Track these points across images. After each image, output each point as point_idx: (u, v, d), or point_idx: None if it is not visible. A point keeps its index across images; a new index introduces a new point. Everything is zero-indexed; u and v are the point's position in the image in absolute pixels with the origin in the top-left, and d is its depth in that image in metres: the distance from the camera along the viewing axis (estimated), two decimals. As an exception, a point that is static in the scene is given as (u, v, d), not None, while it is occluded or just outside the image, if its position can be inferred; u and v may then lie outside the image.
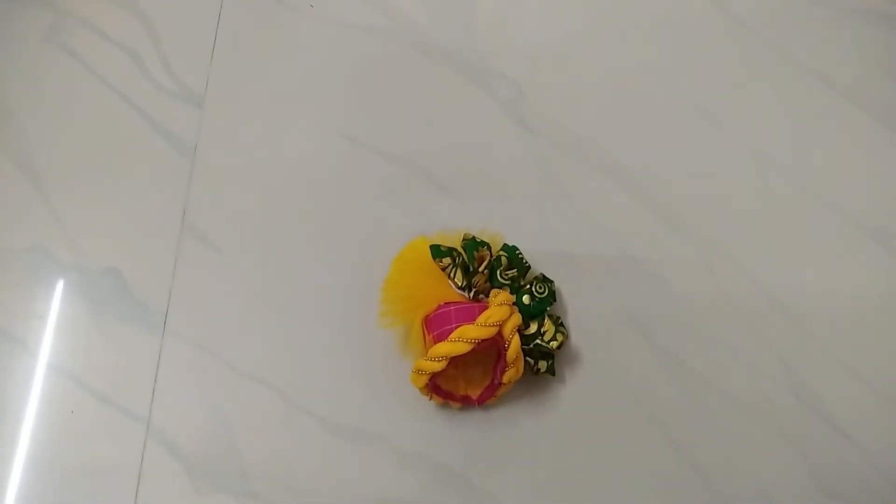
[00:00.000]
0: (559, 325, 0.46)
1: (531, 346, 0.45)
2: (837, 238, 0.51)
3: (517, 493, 0.47)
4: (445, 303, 0.46)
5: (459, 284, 0.46)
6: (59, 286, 0.51)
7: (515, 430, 0.48)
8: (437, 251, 0.46)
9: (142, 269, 0.52)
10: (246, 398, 0.49)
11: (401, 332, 0.48)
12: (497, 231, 0.49)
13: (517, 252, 0.48)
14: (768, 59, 0.55)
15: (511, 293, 0.46)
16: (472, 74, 0.56)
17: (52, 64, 0.57)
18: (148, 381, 0.49)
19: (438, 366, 0.42)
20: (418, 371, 0.43)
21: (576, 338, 0.50)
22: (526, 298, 0.46)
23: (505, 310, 0.43)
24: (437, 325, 0.45)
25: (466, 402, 0.46)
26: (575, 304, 0.50)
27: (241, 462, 0.47)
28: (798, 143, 0.53)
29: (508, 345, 0.43)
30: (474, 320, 0.43)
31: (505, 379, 0.44)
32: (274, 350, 0.50)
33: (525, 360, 0.45)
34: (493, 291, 0.46)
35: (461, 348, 0.42)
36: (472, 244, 0.47)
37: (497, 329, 0.42)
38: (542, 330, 0.46)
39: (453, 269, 0.46)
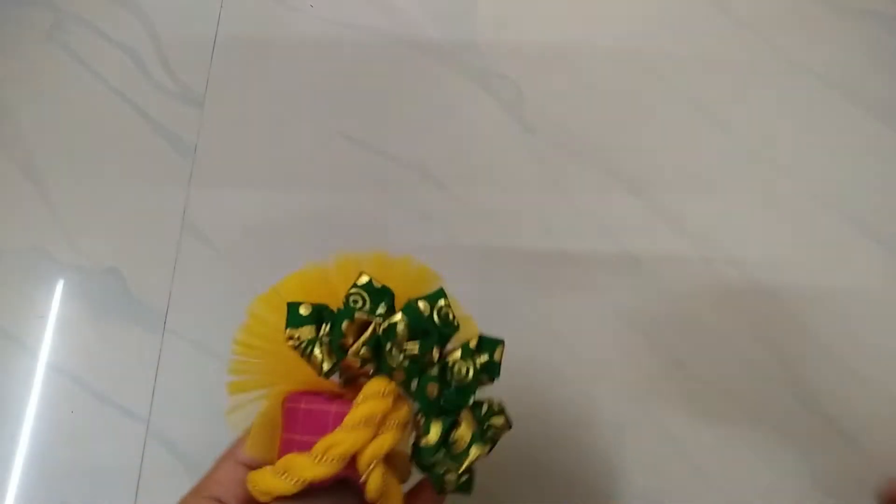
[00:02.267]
0: (488, 423, 0.30)
1: (428, 462, 0.28)
2: (837, 238, 0.51)
3: (511, 492, 0.47)
4: (298, 393, 0.29)
5: (321, 370, 0.28)
6: (59, 286, 0.51)
7: (514, 431, 0.48)
8: (295, 316, 0.28)
9: (142, 269, 0.52)
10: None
11: (252, 410, 0.31)
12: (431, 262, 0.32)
13: (435, 308, 0.29)
14: (768, 59, 0.55)
15: (409, 378, 0.28)
16: (472, 74, 0.56)
17: (52, 64, 0.57)
18: (148, 381, 0.49)
19: (263, 497, 0.27)
20: (254, 486, 0.27)
21: (576, 338, 0.49)
22: (432, 388, 0.28)
23: (363, 435, 0.26)
24: (286, 426, 0.29)
25: None
26: (575, 304, 0.50)
27: (241, 462, 0.47)
28: (798, 142, 0.53)
29: (366, 480, 0.26)
30: (324, 434, 0.26)
31: None
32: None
33: (426, 476, 0.29)
34: (373, 381, 0.28)
35: (283, 488, 0.26)
36: (347, 311, 0.28)
37: (343, 465, 0.26)
38: (451, 439, 0.28)
39: (311, 346, 0.28)
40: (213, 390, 0.49)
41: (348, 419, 0.27)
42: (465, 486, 0.29)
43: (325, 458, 0.26)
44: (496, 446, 0.30)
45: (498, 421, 0.30)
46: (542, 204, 0.52)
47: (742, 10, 0.56)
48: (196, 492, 0.28)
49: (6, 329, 0.50)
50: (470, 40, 0.57)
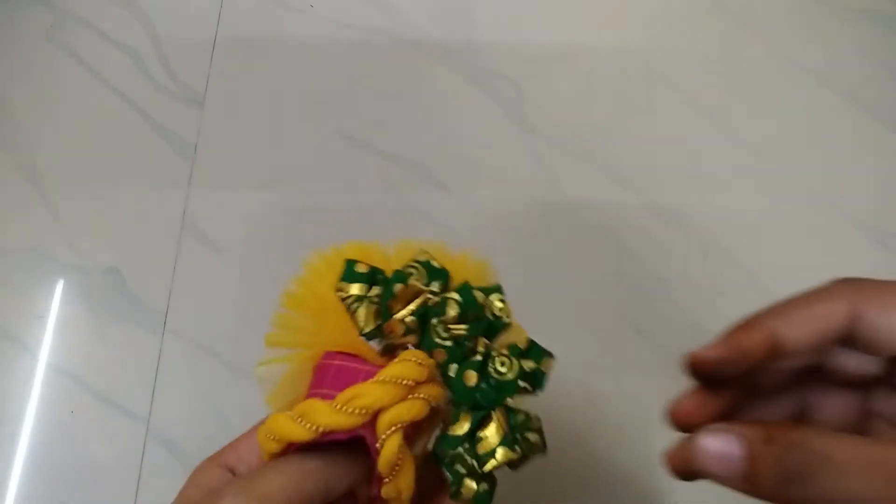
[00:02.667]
0: (520, 432, 0.27)
1: (449, 454, 0.26)
2: (837, 238, 0.51)
3: (510, 491, 0.47)
4: (334, 352, 0.28)
5: (362, 329, 0.28)
6: (59, 286, 0.51)
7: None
8: (350, 271, 0.28)
9: (142, 269, 0.52)
10: (246, 398, 0.49)
11: (281, 370, 0.30)
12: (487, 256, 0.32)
13: (494, 297, 0.29)
14: (768, 59, 0.55)
15: (447, 360, 0.27)
16: (472, 74, 0.56)
17: (52, 64, 0.57)
18: (148, 381, 0.49)
19: (273, 445, 0.25)
20: (268, 434, 0.25)
21: (576, 338, 0.49)
22: (470, 376, 0.27)
23: (390, 392, 0.25)
24: (315, 381, 0.28)
25: None
26: (575, 304, 0.50)
27: (241, 462, 0.47)
28: (798, 142, 0.53)
29: (381, 446, 0.24)
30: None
31: (385, 493, 0.25)
32: (274, 350, 0.50)
33: (445, 474, 0.26)
34: (413, 350, 0.27)
35: (296, 433, 0.24)
36: (401, 276, 0.28)
37: (365, 419, 0.24)
38: (478, 435, 0.26)
39: (358, 305, 0.28)
40: (213, 390, 0.49)
41: (379, 375, 0.25)
42: (484, 498, 0.26)
43: (346, 407, 0.24)
44: (523, 466, 0.28)
45: (534, 438, 0.27)
46: (542, 203, 0.52)
47: (742, 11, 0.56)
48: (212, 459, 0.27)
49: (6, 329, 0.50)
50: (470, 40, 0.57)
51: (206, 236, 0.52)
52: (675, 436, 0.27)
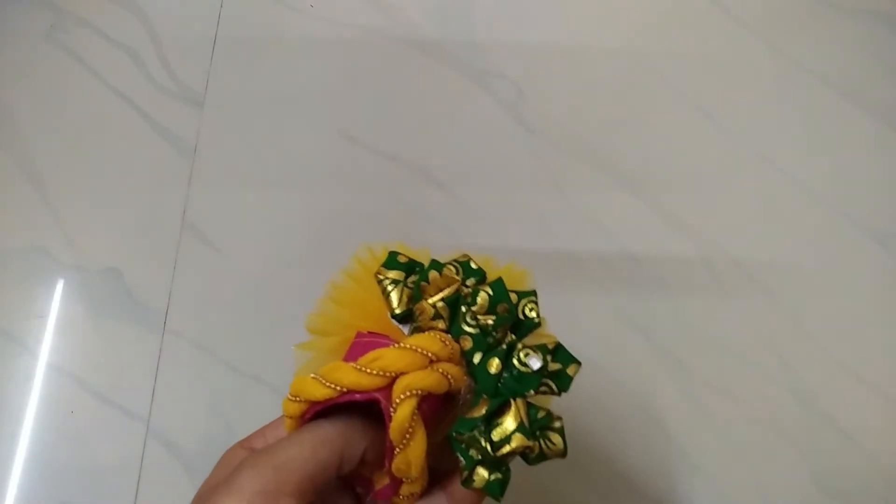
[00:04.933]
0: (540, 429, 0.27)
1: (464, 436, 0.26)
2: (837, 238, 0.51)
3: (513, 493, 0.47)
4: (365, 332, 0.30)
5: (394, 310, 0.29)
6: (59, 286, 0.51)
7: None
8: (392, 259, 0.31)
9: (142, 269, 0.52)
10: (246, 398, 0.49)
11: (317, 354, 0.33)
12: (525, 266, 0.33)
13: (527, 300, 0.30)
14: (768, 59, 0.55)
15: (473, 348, 0.28)
16: (472, 74, 0.56)
17: (52, 64, 0.57)
18: (148, 381, 0.49)
19: (295, 407, 0.26)
20: (292, 395, 0.27)
21: (576, 338, 0.49)
22: (493, 364, 0.27)
23: (409, 358, 0.26)
24: (346, 356, 0.29)
25: (367, 489, 0.28)
26: (575, 304, 0.50)
27: (241, 462, 0.47)
28: (798, 143, 0.53)
29: (395, 410, 0.25)
30: None
31: (395, 467, 0.26)
32: (274, 350, 0.50)
33: (459, 459, 0.26)
34: (435, 331, 0.28)
35: (318, 391, 0.25)
36: (438, 264, 0.30)
37: (385, 381, 0.25)
38: (494, 421, 0.26)
39: (393, 287, 0.30)
40: (213, 390, 0.49)
41: (402, 342, 0.27)
42: (495, 488, 0.26)
43: (367, 368, 0.25)
44: (541, 464, 0.27)
45: (555, 438, 0.27)
46: (542, 204, 0.52)
47: (742, 10, 0.56)
48: (240, 443, 0.28)
49: (6, 329, 0.50)
50: (470, 40, 0.57)
51: (206, 236, 0.52)
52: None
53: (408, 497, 0.27)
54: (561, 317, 0.49)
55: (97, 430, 0.48)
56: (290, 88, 0.56)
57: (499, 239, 0.51)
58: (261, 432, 0.29)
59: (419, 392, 0.25)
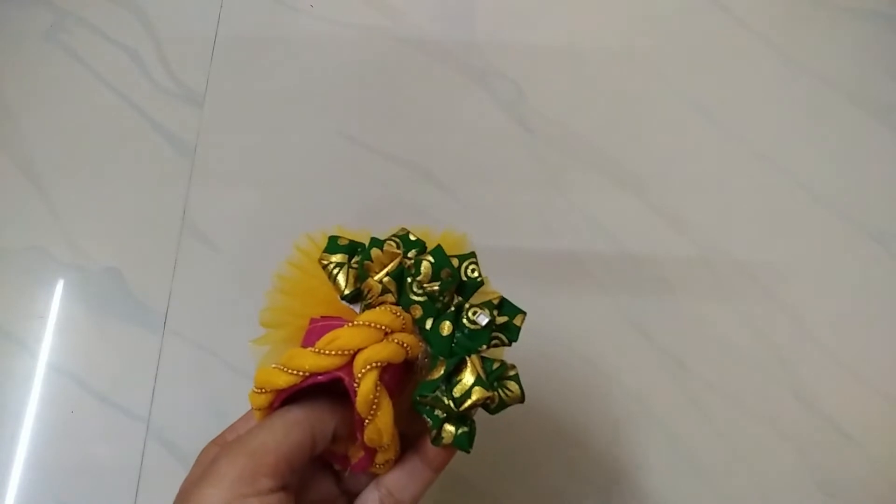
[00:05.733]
0: (497, 379, 0.28)
1: (427, 398, 0.27)
2: (837, 238, 0.51)
3: (511, 490, 0.47)
4: (321, 317, 0.31)
5: (343, 291, 0.30)
6: (59, 286, 0.51)
7: (509, 432, 0.48)
8: (332, 244, 0.32)
9: (142, 269, 0.52)
10: (246, 398, 0.49)
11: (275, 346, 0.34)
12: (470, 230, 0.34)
13: (468, 262, 0.30)
14: (768, 59, 0.55)
15: (423, 315, 0.29)
16: (472, 74, 0.56)
17: (52, 64, 0.57)
18: (148, 381, 0.49)
19: (262, 399, 0.28)
20: (256, 387, 0.28)
21: (575, 337, 0.49)
22: (445, 327, 0.29)
23: (364, 333, 0.27)
24: (303, 342, 0.30)
25: (344, 464, 0.29)
26: (575, 304, 0.50)
27: (241, 462, 0.47)
28: (798, 143, 0.53)
29: (358, 384, 0.26)
30: None
31: (367, 438, 0.27)
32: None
33: (423, 418, 0.28)
34: (385, 305, 0.29)
35: (282, 380, 0.27)
36: (378, 242, 0.31)
37: (345, 360, 0.26)
38: (453, 380, 0.28)
39: (339, 270, 0.31)
40: (213, 390, 0.49)
41: (355, 320, 0.28)
42: (463, 441, 0.28)
43: (326, 349, 0.26)
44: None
45: (512, 386, 0.29)
46: (542, 204, 0.52)
47: (742, 10, 0.56)
48: (213, 440, 0.30)
49: (6, 329, 0.50)
50: (470, 40, 0.57)
51: (206, 236, 0.52)
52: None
53: (384, 465, 0.28)
54: (561, 316, 0.50)
55: (97, 430, 0.48)
56: (289, 88, 0.56)
57: (499, 239, 0.51)
58: (232, 427, 0.30)
59: (379, 364, 0.26)
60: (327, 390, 0.27)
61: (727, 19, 0.56)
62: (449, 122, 0.55)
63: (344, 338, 0.27)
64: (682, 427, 0.47)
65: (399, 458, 0.29)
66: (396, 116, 0.55)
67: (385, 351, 0.27)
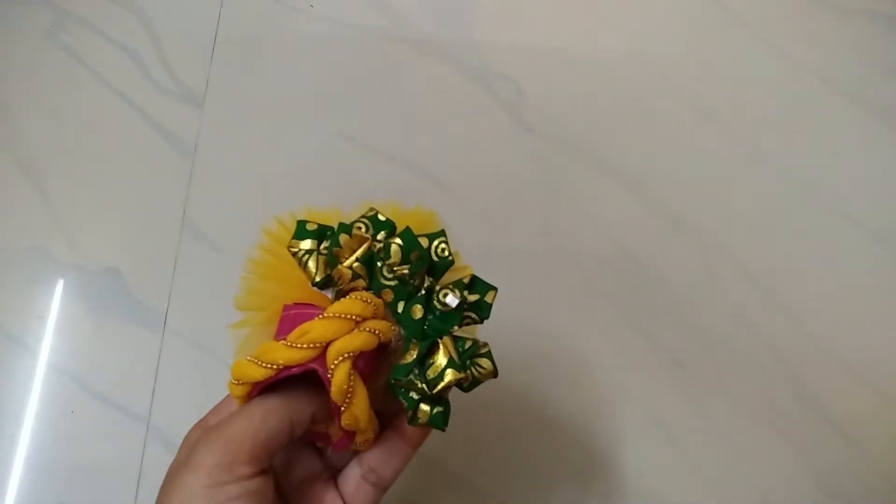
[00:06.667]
0: (469, 357, 0.29)
1: (401, 381, 0.28)
2: (837, 238, 0.51)
3: (514, 493, 0.47)
4: (293, 304, 0.31)
5: (314, 278, 0.30)
6: (59, 286, 0.51)
7: (508, 432, 0.48)
8: (301, 230, 0.31)
9: (142, 269, 0.52)
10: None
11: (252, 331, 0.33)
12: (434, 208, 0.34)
13: (438, 241, 0.30)
14: (768, 60, 0.55)
15: (395, 299, 0.29)
16: (472, 74, 0.56)
17: (52, 64, 0.57)
18: (148, 381, 0.49)
19: (239, 389, 0.28)
20: (233, 379, 0.28)
21: (575, 337, 0.49)
22: (416, 310, 0.29)
23: (336, 325, 0.27)
24: (277, 331, 0.31)
25: (326, 443, 0.30)
26: (575, 305, 0.50)
27: (241, 462, 0.47)
28: (798, 143, 0.53)
29: (332, 375, 0.26)
30: None
31: (344, 423, 0.28)
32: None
33: (402, 402, 0.28)
34: (360, 291, 0.29)
35: (257, 373, 0.27)
36: (346, 227, 0.30)
37: (317, 352, 0.27)
38: (426, 362, 0.28)
39: (308, 257, 0.30)
40: (213, 390, 0.49)
41: (325, 312, 0.28)
42: (438, 420, 0.28)
43: (298, 342, 0.27)
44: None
45: (485, 363, 0.29)
46: (542, 204, 0.52)
47: (742, 10, 0.56)
48: (197, 423, 0.31)
49: (6, 329, 0.50)
50: (470, 40, 0.57)
51: (206, 236, 0.52)
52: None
53: (363, 443, 0.29)
54: (561, 316, 0.50)
55: (97, 430, 0.48)
56: (290, 88, 0.56)
57: (499, 239, 0.51)
58: (216, 409, 0.31)
59: (351, 354, 0.27)
60: (305, 376, 0.27)
61: (727, 19, 0.56)
62: (449, 123, 0.55)
63: (315, 331, 0.27)
64: (683, 426, 0.47)
65: (379, 436, 0.30)
66: (396, 116, 0.55)
67: (357, 341, 0.27)
